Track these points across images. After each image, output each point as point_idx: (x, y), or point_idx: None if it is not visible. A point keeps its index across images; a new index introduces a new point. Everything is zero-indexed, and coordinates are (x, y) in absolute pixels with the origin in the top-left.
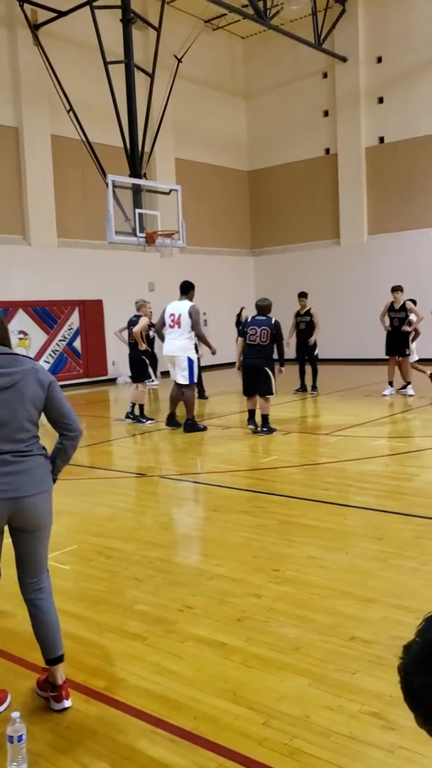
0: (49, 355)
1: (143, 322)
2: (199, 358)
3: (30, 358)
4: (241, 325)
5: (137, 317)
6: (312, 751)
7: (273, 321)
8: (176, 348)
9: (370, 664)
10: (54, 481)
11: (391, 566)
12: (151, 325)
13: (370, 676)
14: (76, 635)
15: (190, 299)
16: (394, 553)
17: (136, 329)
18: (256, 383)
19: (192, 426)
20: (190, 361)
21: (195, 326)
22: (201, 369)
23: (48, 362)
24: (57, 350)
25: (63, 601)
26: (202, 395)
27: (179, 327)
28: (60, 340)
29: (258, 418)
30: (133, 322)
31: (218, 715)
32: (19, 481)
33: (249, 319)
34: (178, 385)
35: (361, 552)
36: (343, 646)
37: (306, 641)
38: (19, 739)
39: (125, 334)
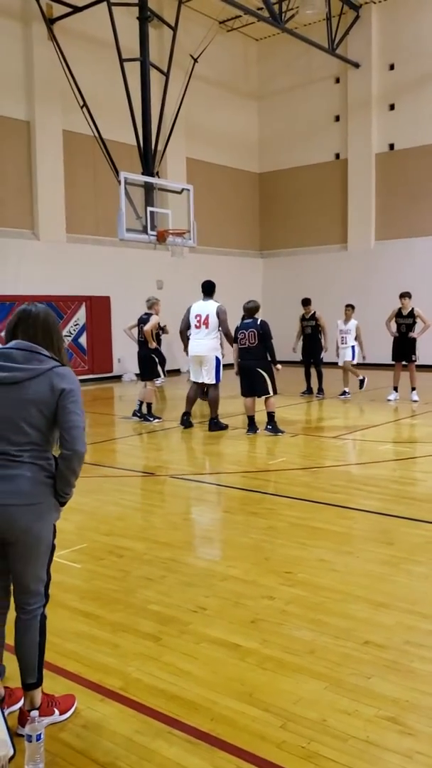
0: None
1: (154, 320)
2: (223, 356)
3: (56, 360)
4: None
5: (148, 315)
6: (330, 755)
7: (259, 322)
8: (205, 348)
9: (385, 669)
10: (60, 503)
11: (402, 571)
12: (161, 327)
13: (385, 681)
14: (90, 634)
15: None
16: (405, 558)
17: (147, 327)
18: (252, 384)
19: (216, 425)
20: (218, 360)
21: (223, 325)
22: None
23: None
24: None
25: (75, 599)
26: None
27: (206, 327)
28: (66, 336)
29: (260, 419)
30: (143, 320)
31: (235, 716)
32: None
33: (240, 324)
34: (197, 386)
35: (371, 556)
36: (358, 650)
37: (320, 644)
38: (38, 738)
39: (135, 331)
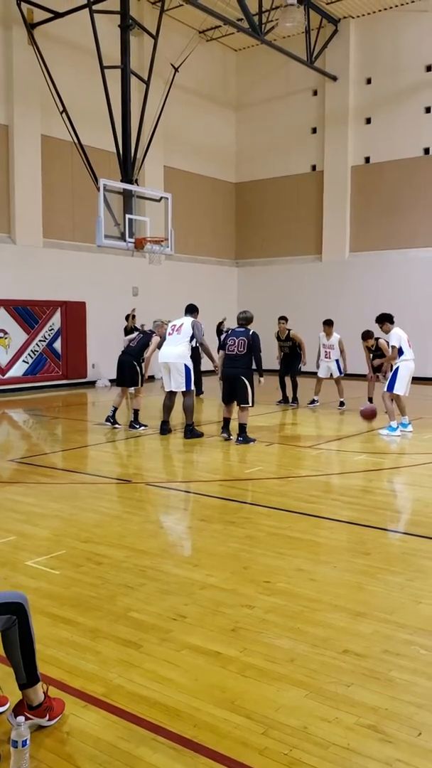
0: (29, 355)
1: (155, 342)
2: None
3: None
4: (222, 336)
5: (152, 333)
6: (312, 762)
7: (251, 332)
8: (174, 354)
9: (364, 678)
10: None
11: (379, 581)
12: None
13: (364, 690)
14: (70, 640)
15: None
16: (382, 569)
17: (149, 354)
18: (233, 392)
19: (191, 432)
20: (188, 368)
21: (197, 335)
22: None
23: (27, 362)
24: (36, 350)
25: (55, 606)
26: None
27: (179, 334)
28: (40, 341)
29: (235, 427)
30: (147, 337)
31: (217, 724)
32: None
33: (229, 331)
34: (170, 394)
35: (349, 566)
36: (337, 658)
37: (300, 653)
38: (24, 743)
39: (128, 340)
